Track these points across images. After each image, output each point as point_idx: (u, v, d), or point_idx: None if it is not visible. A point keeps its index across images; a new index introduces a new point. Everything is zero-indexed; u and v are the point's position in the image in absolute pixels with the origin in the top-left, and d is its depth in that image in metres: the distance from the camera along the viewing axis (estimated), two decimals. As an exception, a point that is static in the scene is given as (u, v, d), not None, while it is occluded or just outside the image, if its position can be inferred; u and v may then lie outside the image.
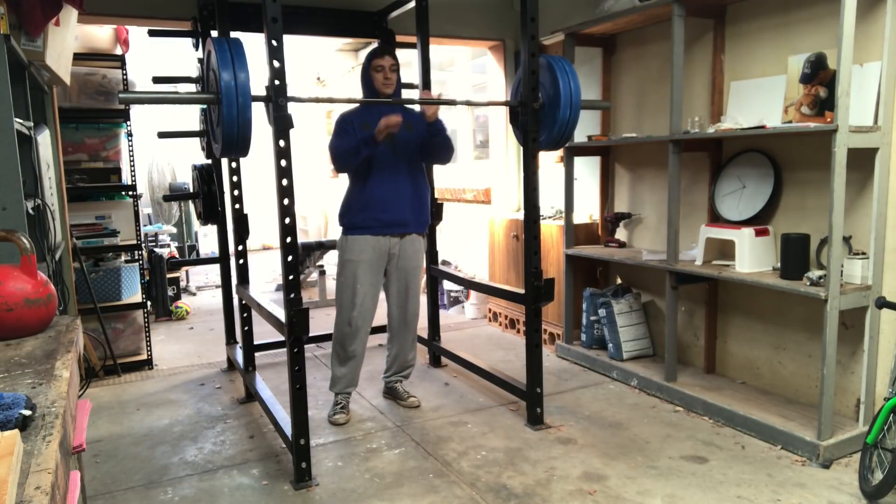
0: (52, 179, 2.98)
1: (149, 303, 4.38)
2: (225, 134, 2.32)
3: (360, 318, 3.15)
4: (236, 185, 3.60)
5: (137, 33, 5.06)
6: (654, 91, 3.82)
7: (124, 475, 2.73)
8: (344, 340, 3.18)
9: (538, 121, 3.02)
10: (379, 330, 3.83)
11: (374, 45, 4.04)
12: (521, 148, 3.23)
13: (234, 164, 3.60)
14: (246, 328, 3.66)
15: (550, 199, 4.69)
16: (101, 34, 4.42)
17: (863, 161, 2.68)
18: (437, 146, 3.18)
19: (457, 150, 6.45)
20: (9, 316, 1.59)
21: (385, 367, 3.53)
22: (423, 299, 3.82)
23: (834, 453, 2.65)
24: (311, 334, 2.68)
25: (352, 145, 3.00)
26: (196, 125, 3.98)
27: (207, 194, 3.79)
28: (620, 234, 4.12)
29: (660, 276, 3.56)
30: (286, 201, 2.47)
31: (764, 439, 2.86)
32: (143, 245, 4.39)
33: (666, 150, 3.29)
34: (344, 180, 3.26)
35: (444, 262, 5.76)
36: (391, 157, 3.10)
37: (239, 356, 3.79)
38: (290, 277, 2.51)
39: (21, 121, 2.35)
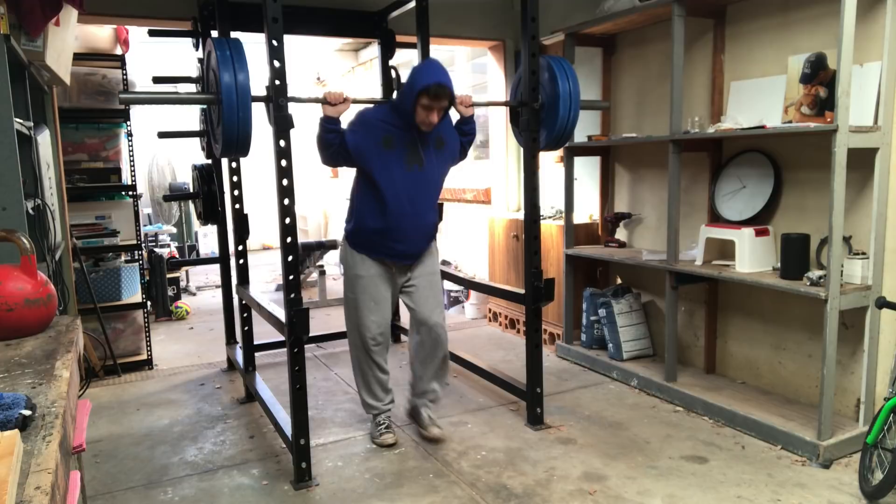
0: (52, 179, 2.98)
1: (149, 303, 4.38)
2: (225, 134, 2.32)
3: (381, 336, 2.88)
4: (236, 185, 3.60)
5: (137, 33, 5.06)
6: (654, 91, 3.82)
7: (124, 475, 2.73)
8: (370, 361, 2.90)
9: (538, 121, 3.02)
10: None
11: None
12: (521, 148, 3.23)
13: (234, 164, 3.60)
14: (246, 328, 3.66)
15: (550, 199, 4.69)
16: (101, 34, 4.42)
17: (863, 161, 2.68)
18: (462, 149, 2.97)
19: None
20: (9, 316, 1.59)
21: (411, 384, 3.07)
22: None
23: (834, 453, 2.65)
24: (311, 334, 2.67)
25: (328, 138, 2.67)
26: (196, 125, 3.99)
27: (207, 194, 3.79)
28: (620, 234, 4.12)
29: (660, 276, 3.56)
30: (286, 201, 2.47)
31: (764, 439, 2.86)
32: (143, 245, 4.39)
33: (666, 150, 3.29)
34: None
35: (444, 262, 5.76)
36: (417, 178, 2.75)
37: (239, 356, 3.79)
38: (290, 277, 2.51)
39: (21, 121, 2.35)
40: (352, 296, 2.88)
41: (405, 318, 3.40)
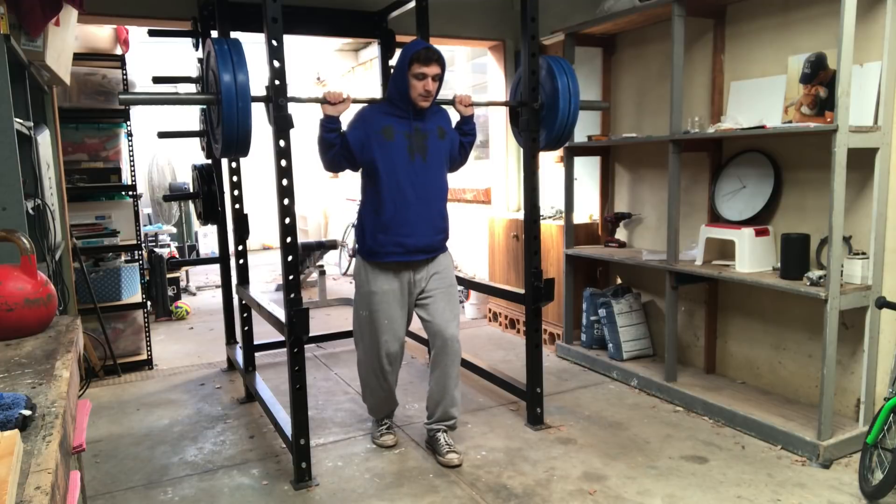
0: (52, 179, 2.98)
1: (149, 303, 4.38)
2: (225, 134, 2.32)
3: (393, 356, 2.80)
4: (236, 185, 3.60)
5: (137, 33, 5.06)
6: (654, 91, 3.82)
7: (124, 475, 2.73)
8: (382, 380, 2.84)
9: (538, 121, 3.02)
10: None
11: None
12: (521, 148, 3.23)
13: (234, 164, 3.60)
14: (246, 328, 3.66)
15: (550, 199, 4.69)
16: (101, 34, 4.42)
17: (863, 161, 2.68)
18: (462, 150, 2.93)
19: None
20: (9, 316, 1.59)
21: (427, 408, 2.94)
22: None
23: (834, 453, 2.65)
24: (311, 334, 2.66)
25: (328, 138, 2.65)
26: (196, 125, 3.99)
27: (207, 194, 3.79)
28: (620, 234, 4.12)
29: (660, 276, 3.56)
30: (286, 201, 2.47)
31: (764, 439, 2.86)
32: (143, 245, 4.39)
33: (666, 150, 3.29)
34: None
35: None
36: (420, 168, 2.69)
37: (239, 356, 3.79)
38: (290, 277, 2.51)
39: (21, 121, 2.35)
40: (364, 314, 2.79)
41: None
